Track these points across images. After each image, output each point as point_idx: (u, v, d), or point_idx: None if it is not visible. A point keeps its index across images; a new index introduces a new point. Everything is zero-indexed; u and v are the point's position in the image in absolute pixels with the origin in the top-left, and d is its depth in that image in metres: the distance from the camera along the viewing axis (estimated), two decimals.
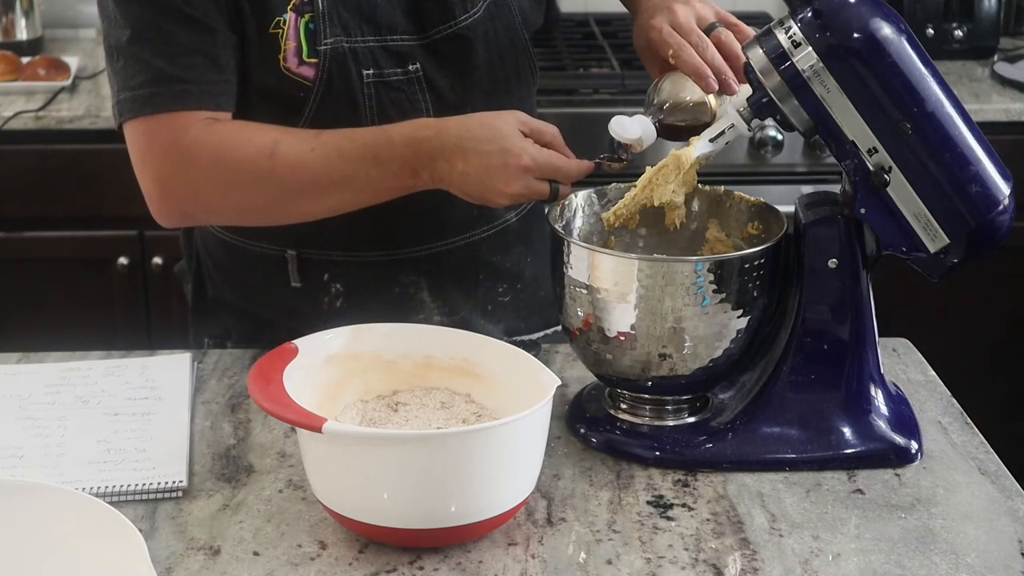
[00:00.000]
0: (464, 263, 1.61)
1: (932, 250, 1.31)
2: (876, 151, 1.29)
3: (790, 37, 1.28)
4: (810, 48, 1.27)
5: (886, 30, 1.27)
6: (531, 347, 1.57)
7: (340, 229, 1.52)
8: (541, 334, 1.68)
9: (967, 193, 1.29)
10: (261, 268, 1.60)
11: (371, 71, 1.50)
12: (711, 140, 1.35)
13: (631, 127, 1.41)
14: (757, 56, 1.30)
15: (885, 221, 1.31)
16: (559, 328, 1.46)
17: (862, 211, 1.31)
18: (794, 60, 1.27)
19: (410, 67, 1.52)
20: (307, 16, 1.46)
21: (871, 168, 1.29)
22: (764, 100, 1.31)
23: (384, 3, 1.50)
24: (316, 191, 1.43)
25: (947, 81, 1.31)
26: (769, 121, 1.35)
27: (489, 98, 1.55)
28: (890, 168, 1.29)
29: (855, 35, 1.27)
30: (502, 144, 1.38)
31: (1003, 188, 1.30)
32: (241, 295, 1.66)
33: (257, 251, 1.60)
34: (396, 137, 1.41)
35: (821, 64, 1.27)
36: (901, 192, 1.30)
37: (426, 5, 1.52)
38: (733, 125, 1.34)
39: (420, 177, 1.41)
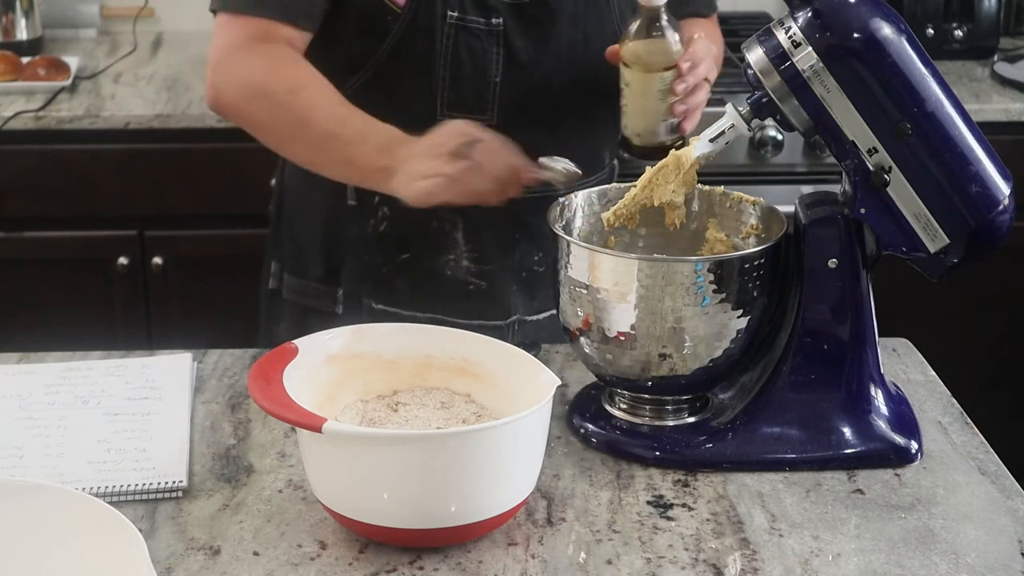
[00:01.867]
0: (503, 216, 1.62)
1: (932, 250, 1.31)
2: (876, 151, 1.29)
3: (790, 37, 1.28)
4: (810, 48, 1.27)
5: (886, 30, 1.27)
6: (531, 347, 1.57)
7: None
8: None
9: (967, 193, 1.29)
10: (330, 184, 1.66)
11: (455, 13, 1.58)
12: (711, 140, 1.35)
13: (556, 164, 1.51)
14: (757, 56, 1.30)
15: (885, 221, 1.31)
16: None
17: (862, 211, 1.31)
18: (794, 60, 1.27)
19: (493, 20, 1.59)
20: None
21: (871, 168, 1.29)
22: (764, 100, 1.31)
23: None
24: (288, 144, 1.58)
25: (947, 81, 1.31)
26: (769, 121, 1.35)
27: (562, 72, 1.63)
28: (890, 168, 1.29)
29: (855, 35, 1.27)
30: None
31: (1003, 188, 1.30)
32: (306, 215, 1.75)
33: None
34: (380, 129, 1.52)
35: (821, 64, 1.27)
36: (901, 192, 1.30)
37: None
38: (733, 125, 1.34)
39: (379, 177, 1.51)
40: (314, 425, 1.15)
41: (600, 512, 1.27)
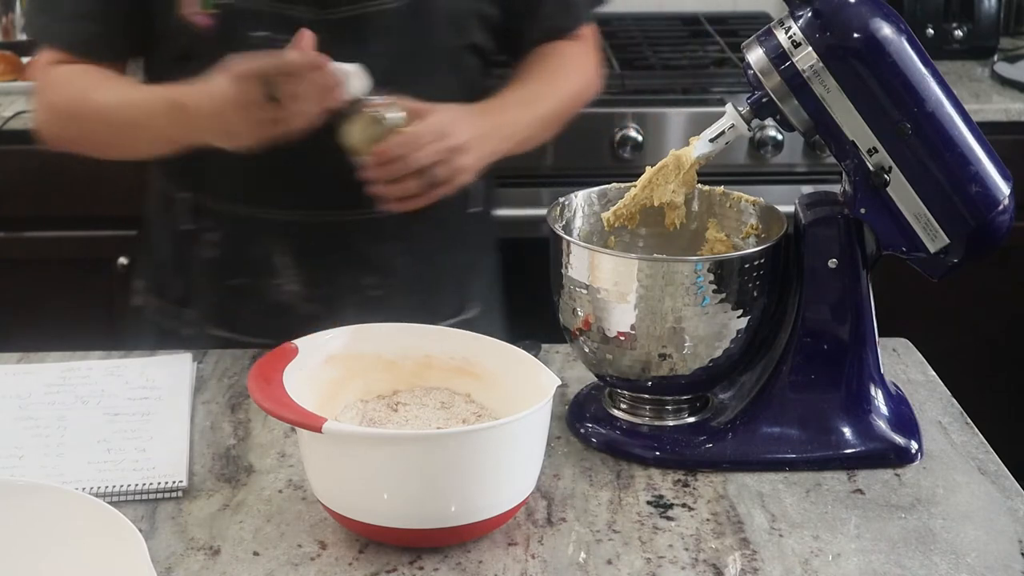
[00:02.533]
0: (331, 242, 1.63)
1: (932, 250, 1.31)
2: (876, 151, 1.29)
3: (790, 37, 1.28)
4: (810, 48, 1.27)
5: (886, 30, 1.27)
6: (531, 347, 1.57)
7: (224, 178, 1.62)
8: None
9: (967, 193, 1.29)
10: (163, 208, 1.69)
11: (262, 33, 1.53)
12: (711, 140, 1.35)
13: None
14: (757, 56, 1.30)
15: (885, 221, 1.31)
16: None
17: (862, 211, 1.31)
18: (794, 60, 1.27)
19: None
20: None
21: (871, 168, 1.29)
22: (764, 100, 1.31)
23: None
24: (120, 139, 1.59)
25: (947, 81, 1.31)
26: (769, 121, 1.35)
27: (378, 85, 1.53)
28: (890, 168, 1.29)
29: (855, 35, 1.27)
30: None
31: (1003, 188, 1.30)
32: (159, 236, 1.75)
33: (161, 189, 1.70)
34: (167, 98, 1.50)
35: (821, 64, 1.27)
36: (901, 192, 1.30)
37: None
38: (733, 125, 1.34)
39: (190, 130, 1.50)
40: (314, 425, 1.15)
41: (600, 512, 1.27)
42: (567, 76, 1.70)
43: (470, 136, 1.50)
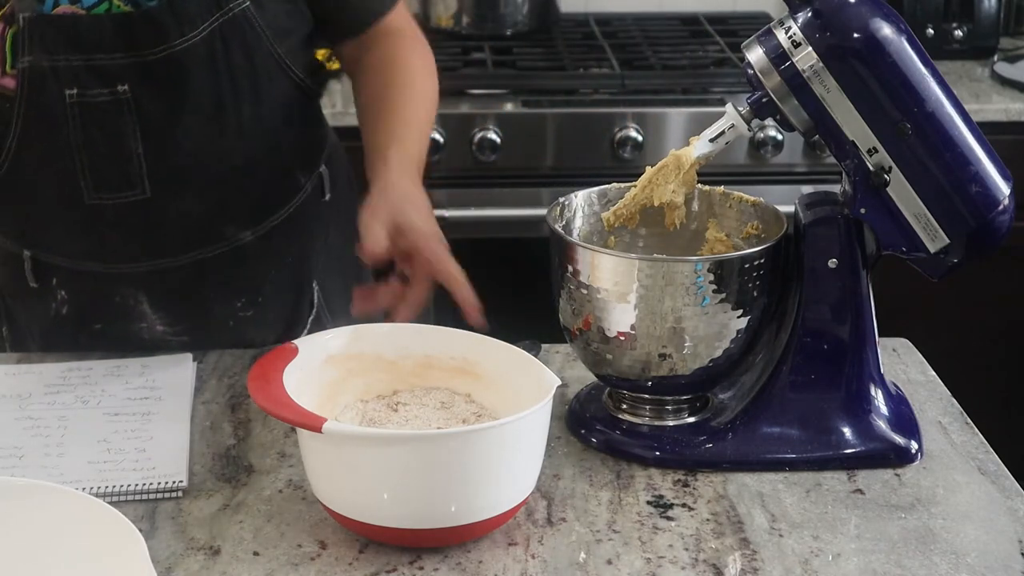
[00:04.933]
0: (190, 280, 1.61)
1: (932, 250, 1.31)
2: (876, 151, 1.29)
3: (790, 37, 1.28)
4: (810, 48, 1.27)
5: (886, 30, 1.27)
6: (531, 347, 1.57)
7: (61, 238, 1.57)
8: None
9: (967, 193, 1.29)
10: (9, 266, 1.64)
11: (74, 91, 1.46)
12: (711, 140, 1.35)
13: None
14: (757, 56, 1.30)
15: (885, 221, 1.31)
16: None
17: (862, 211, 1.31)
18: (794, 60, 1.27)
19: (119, 87, 1.47)
20: (13, 28, 1.44)
21: (871, 168, 1.29)
22: (764, 100, 1.31)
23: (92, 21, 1.44)
24: None
25: (947, 81, 1.31)
26: (769, 121, 1.35)
27: (209, 122, 1.52)
28: (890, 168, 1.29)
29: (855, 35, 1.27)
30: None
31: (1003, 188, 1.30)
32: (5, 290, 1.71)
33: (4, 248, 1.64)
34: None
35: (821, 64, 1.27)
36: (901, 192, 1.30)
37: (138, 26, 1.45)
38: (733, 125, 1.34)
39: None
40: (314, 425, 1.15)
41: (600, 512, 1.27)
42: (424, 92, 1.63)
43: (428, 212, 1.45)
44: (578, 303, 1.34)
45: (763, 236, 1.41)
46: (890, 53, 1.26)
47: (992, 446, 1.40)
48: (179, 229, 1.57)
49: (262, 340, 1.64)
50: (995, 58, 2.96)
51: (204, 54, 1.48)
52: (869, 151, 1.29)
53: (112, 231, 1.55)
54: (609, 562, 1.20)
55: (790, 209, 1.40)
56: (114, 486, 1.29)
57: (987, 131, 1.33)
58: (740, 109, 1.33)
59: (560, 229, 1.37)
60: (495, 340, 1.33)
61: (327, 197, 1.73)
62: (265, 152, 1.59)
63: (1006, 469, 1.36)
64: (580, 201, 1.45)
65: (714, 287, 1.30)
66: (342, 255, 1.67)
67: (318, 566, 1.19)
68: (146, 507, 1.28)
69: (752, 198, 1.44)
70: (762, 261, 1.32)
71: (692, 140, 1.36)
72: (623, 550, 1.21)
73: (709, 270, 1.30)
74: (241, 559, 1.20)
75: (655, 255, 1.41)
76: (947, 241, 1.30)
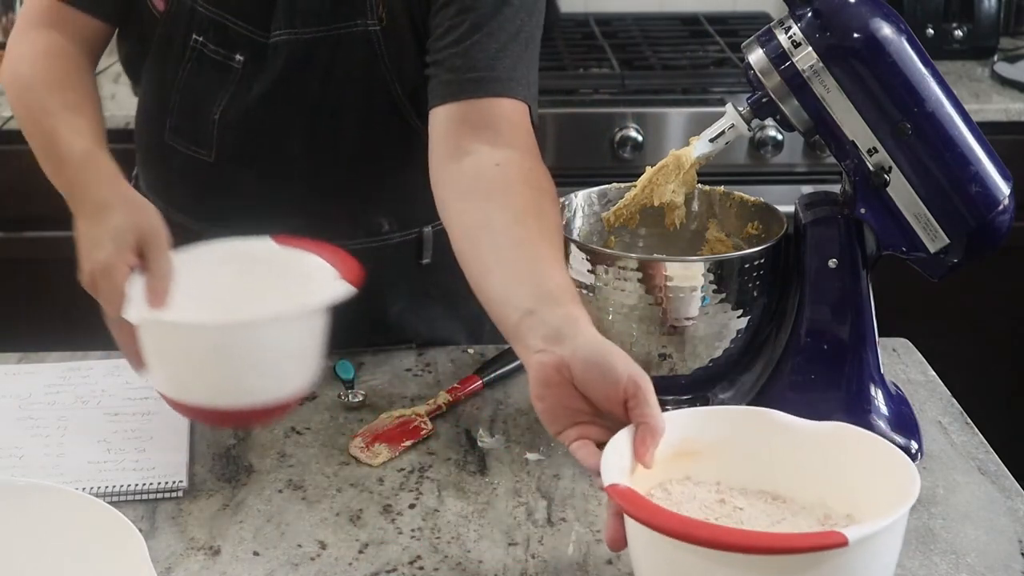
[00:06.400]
0: None
1: (932, 250, 1.31)
2: (876, 151, 1.29)
3: (790, 37, 1.28)
4: (810, 48, 1.27)
5: (886, 30, 1.27)
6: None
7: (145, 166, 1.63)
8: None
9: (967, 193, 1.29)
10: None
11: (200, 39, 1.50)
12: (711, 140, 1.35)
13: None
14: (757, 56, 1.30)
15: (885, 221, 1.31)
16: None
17: (862, 211, 1.31)
18: (794, 60, 1.27)
19: (236, 56, 1.50)
20: None
21: (871, 168, 1.29)
22: (764, 100, 1.31)
23: None
24: (30, 144, 1.50)
25: (947, 81, 1.31)
26: (769, 121, 1.35)
27: (284, 115, 1.52)
28: (890, 168, 1.29)
29: (855, 35, 1.27)
30: (103, 234, 1.32)
31: (1003, 188, 1.30)
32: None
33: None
34: (79, 162, 1.41)
35: (821, 64, 1.27)
36: (901, 192, 1.30)
37: (279, 5, 1.48)
38: (733, 125, 1.34)
39: (71, 208, 1.40)
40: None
41: (600, 512, 1.27)
42: (553, 231, 1.31)
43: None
44: None
45: (763, 236, 1.41)
46: (890, 53, 1.27)
47: (992, 446, 1.40)
48: (233, 203, 1.57)
49: None
50: (995, 58, 2.96)
51: (319, 53, 1.49)
52: (869, 151, 1.29)
53: (180, 180, 1.59)
54: (609, 562, 1.20)
55: (790, 209, 1.40)
56: (114, 486, 1.29)
57: (987, 131, 1.33)
58: (740, 109, 1.33)
59: None
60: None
61: (425, 261, 1.65)
62: (338, 175, 1.56)
63: (1006, 469, 1.36)
64: (580, 201, 1.45)
65: (714, 287, 1.30)
66: (434, 326, 1.67)
67: (318, 566, 1.19)
68: (146, 507, 1.28)
69: (752, 198, 1.44)
70: (762, 261, 1.32)
71: (692, 140, 1.36)
72: (623, 550, 1.21)
73: (709, 270, 1.30)
74: (241, 559, 1.20)
75: (655, 255, 1.41)
76: (947, 241, 1.30)
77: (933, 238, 1.30)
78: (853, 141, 1.29)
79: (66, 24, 1.51)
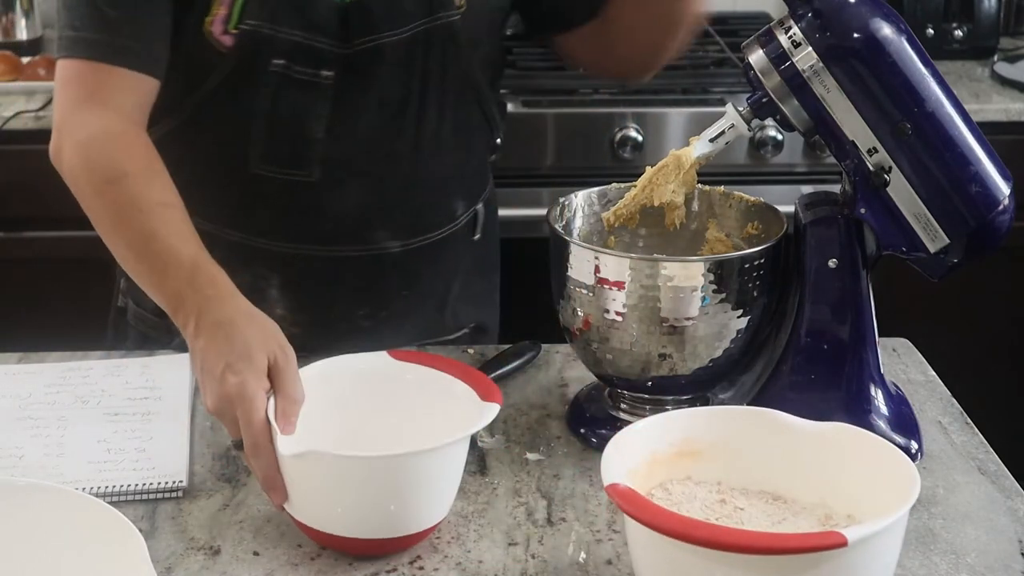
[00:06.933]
0: (324, 273, 1.60)
1: (932, 250, 1.31)
2: (876, 151, 1.29)
3: (790, 37, 1.28)
4: (810, 48, 1.27)
5: (886, 30, 1.27)
6: (531, 347, 1.57)
7: (212, 200, 1.54)
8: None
9: (967, 193, 1.29)
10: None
11: (282, 62, 1.49)
12: (711, 140, 1.35)
13: None
14: (757, 56, 1.30)
15: (885, 221, 1.31)
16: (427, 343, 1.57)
17: (862, 211, 1.31)
18: (794, 60, 1.27)
19: (323, 72, 1.50)
20: None
21: (871, 168, 1.29)
22: (764, 100, 1.31)
23: (317, 3, 1.48)
24: (108, 239, 1.41)
25: (947, 81, 1.31)
26: (769, 121, 1.35)
27: (390, 118, 1.54)
28: (890, 168, 1.29)
29: (855, 35, 1.27)
30: (235, 354, 1.23)
31: (1003, 188, 1.30)
32: None
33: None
34: (187, 273, 1.32)
35: (821, 64, 1.27)
36: (901, 192, 1.30)
37: (354, 14, 1.49)
38: (733, 125, 1.34)
39: (177, 319, 1.32)
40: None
41: (600, 512, 1.27)
42: None
43: None
44: (578, 303, 1.34)
45: (763, 236, 1.41)
46: (890, 53, 1.27)
47: (992, 446, 1.40)
48: (332, 220, 1.57)
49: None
50: (995, 58, 2.96)
51: (404, 54, 1.51)
52: (869, 151, 1.29)
53: (265, 205, 1.56)
54: (609, 562, 1.20)
55: (790, 209, 1.40)
56: (114, 486, 1.29)
57: (987, 131, 1.33)
58: (740, 109, 1.33)
59: (560, 229, 1.37)
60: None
61: (476, 237, 1.71)
62: (434, 168, 1.59)
63: (1006, 469, 1.36)
64: (580, 201, 1.45)
65: (714, 287, 1.30)
66: (478, 302, 1.71)
67: (318, 566, 1.19)
68: (146, 507, 1.28)
69: (752, 198, 1.44)
70: (762, 261, 1.32)
71: (692, 140, 1.36)
72: (623, 550, 1.21)
73: (709, 270, 1.30)
74: (241, 559, 1.20)
75: (655, 255, 1.41)
76: (947, 241, 1.30)
77: (933, 238, 1.30)
78: (853, 141, 1.29)
79: (113, 93, 1.44)
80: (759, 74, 1.30)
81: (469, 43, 1.55)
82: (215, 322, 1.26)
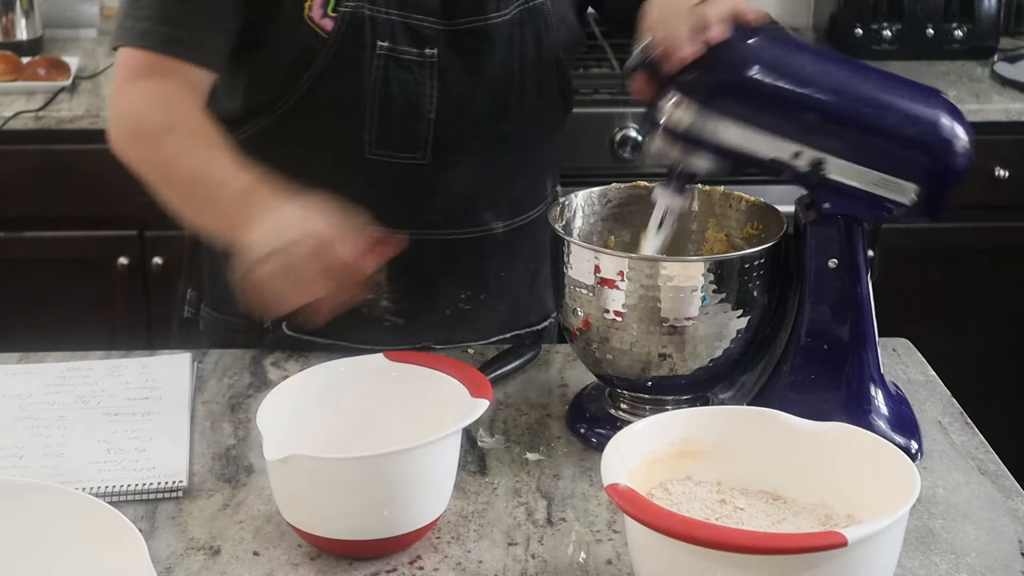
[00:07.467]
0: (431, 258, 1.60)
1: (908, 202, 1.30)
2: (800, 154, 1.29)
3: (670, 104, 1.28)
4: (687, 102, 1.27)
5: (748, 53, 1.27)
6: (531, 347, 1.57)
7: (322, 187, 1.48)
8: (497, 338, 1.67)
9: (904, 137, 1.29)
10: None
11: (385, 43, 1.50)
12: (658, 230, 1.36)
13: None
14: (654, 143, 1.31)
15: (851, 202, 1.31)
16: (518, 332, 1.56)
17: (826, 206, 1.32)
18: (680, 123, 1.28)
19: (427, 50, 1.51)
20: None
21: (807, 169, 1.29)
22: (679, 170, 1.32)
23: None
24: (174, 185, 1.44)
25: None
26: None
27: (498, 102, 1.56)
28: (821, 160, 1.29)
29: (726, 78, 1.28)
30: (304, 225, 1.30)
31: (933, 111, 1.28)
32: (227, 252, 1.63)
33: None
34: (239, 193, 1.36)
35: (704, 110, 1.27)
36: (846, 172, 1.30)
37: None
38: (668, 207, 1.35)
39: (236, 236, 1.34)
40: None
41: (600, 512, 1.27)
42: None
43: None
44: (578, 303, 1.34)
45: (763, 236, 1.41)
46: (764, 76, 1.27)
47: (992, 446, 1.40)
48: (443, 203, 1.57)
49: (467, 339, 1.62)
50: (995, 58, 2.96)
51: (506, 34, 1.54)
52: (793, 156, 1.29)
53: (377, 193, 1.53)
54: (609, 562, 1.20)
55: (790, 209, 1.40)
56: (114, 486, 1.29)
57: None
58: (667, 187, 1.34)
59: (560, 229, 1.38)
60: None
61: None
62: (532, 147, 1.62)
63: (1006, 469, 1.36)
64: (580, 201, 1.45)
65: (714, 287, 1.30)
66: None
67: (318, 566, 1.19)
68: (146, 507, 1.28)
69: (752, 198, 1.44)
70: (762, 261, 1.32)
71: (641, 237, 1.37)
72: (623, 550, 1.21)
73: (709, 270, 1.30)
74: (241, 559, 1.20)
75: (655, 255, 1.41)
76: (915, 186, 1.30)
77: (902, 192, 1.30)
78: (773, 158, 1.29)
79: (170, 75, 1.46)
80: (663, 154, 1.31)
81: (556, 25, 1.59)
82: (266, 213, 1.31)
